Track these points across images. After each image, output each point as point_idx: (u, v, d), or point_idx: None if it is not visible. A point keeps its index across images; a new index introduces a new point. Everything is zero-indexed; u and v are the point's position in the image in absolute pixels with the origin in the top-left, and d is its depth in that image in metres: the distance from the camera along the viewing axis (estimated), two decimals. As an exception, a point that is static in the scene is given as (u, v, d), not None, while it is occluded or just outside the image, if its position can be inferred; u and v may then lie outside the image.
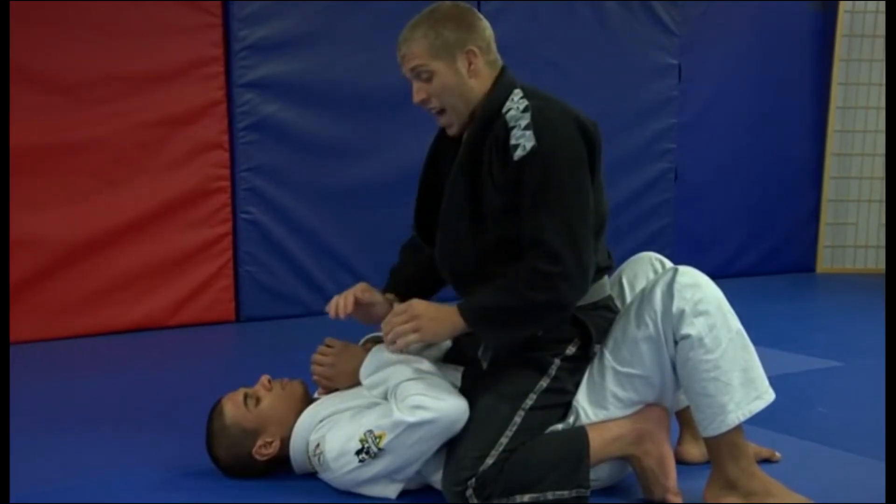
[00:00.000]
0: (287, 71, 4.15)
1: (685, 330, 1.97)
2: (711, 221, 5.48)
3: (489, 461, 1.98)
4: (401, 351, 2.08)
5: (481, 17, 2.14)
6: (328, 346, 2.28)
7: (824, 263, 5.88)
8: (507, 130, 2.01)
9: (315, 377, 2.29)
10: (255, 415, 2.17)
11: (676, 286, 1.99)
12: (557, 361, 2.09)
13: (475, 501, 1.97)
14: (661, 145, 5.22)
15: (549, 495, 1.98)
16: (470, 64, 2.07)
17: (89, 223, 3.83)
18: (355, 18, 4.27)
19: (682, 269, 2.04)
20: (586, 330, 2.09)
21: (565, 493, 1.99)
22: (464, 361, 2.18)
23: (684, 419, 2.32)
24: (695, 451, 2.32)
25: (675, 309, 1.97)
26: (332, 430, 2.10)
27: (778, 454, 2.35)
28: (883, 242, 5.76)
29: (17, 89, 3.59)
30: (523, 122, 2.01)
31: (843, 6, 5.61)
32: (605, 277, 2.20)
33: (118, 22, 3.80)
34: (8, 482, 1.89)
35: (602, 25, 4.95)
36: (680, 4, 5.15)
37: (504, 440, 2.00)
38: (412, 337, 2.02)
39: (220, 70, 4.02)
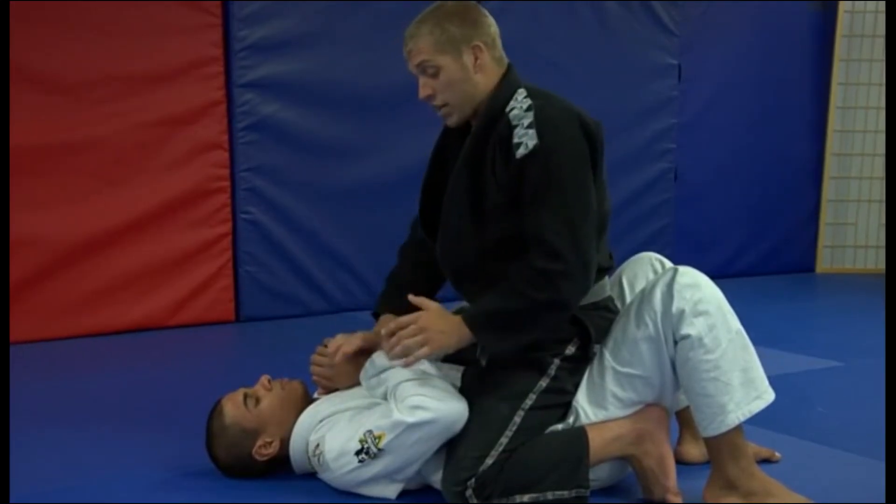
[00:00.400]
0: (287, 71, 4.15)
1: (685, 330, 1.97)
2: (711, 221, 5.48)
3: (489, 461, 1.98)
4: (410, 365, 2.03)
5: (486, 13, 2.14)
6: (326, 346, 2.28)
7: (824, 263, 5.88)
8: (511, 129, 2.02)
9: (314, 378, 2.29)
10: (254, 415, 2.17)
11: (676, 286, 1.99)
12: (557, 361, 2.09)
13: (475, 501, 1.97)
14: (661, 145, 5.22)
15: (549, 495, 1.98)
16: (476, 59, 2.08)
17: (89, 223, 3.83)
18: (355, 18, 4.27)
19: (682, 269, 2.04)
20: (586, 330, 2.09)
21: (565, 493, 1.99)
22: (463, 361, 2.18)
23: (684, 419, 2.32)
24: (695, 451, 2.32)
25: (674, 309, 1.97)
26: (331, 431, 2.10)
27: (778, 454, 2.35)
28: (883, 242, 5.76)
29: (17, 89, 3.59)
30: (526, 121, 2.01)
31: (842, 6, 5.61)
32: (606, 278, 2.20)
33: (118, 22, 3.80)
34: (8, 482, 1.89)
35: (602, 25, 4.95)
36: (680, 4, 5.15)
37: (504, 440, 2.00)
38: (422, 351, 1.99)
39: (220, 70, 4.02)
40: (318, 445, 2.11)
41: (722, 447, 1.99)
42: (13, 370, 3.13)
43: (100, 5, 3.76)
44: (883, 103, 5.64)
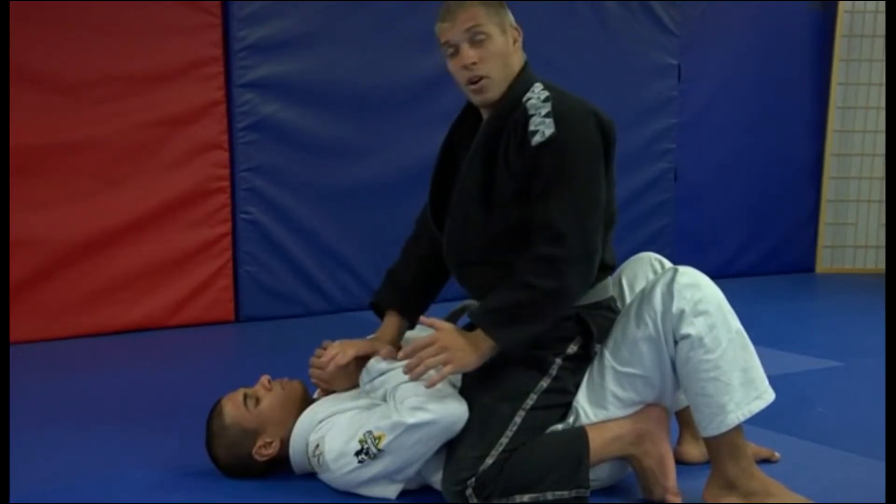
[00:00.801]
0: (287, 71, 4.15)
1: (685, 330, 1.97)
2: (711, 221, 5.48)
3: (489, 461, 1.98)
4: (433, 385, 1.99)
5: None
6: (324, 348, 2.28)
7: (824, 263, 5.88)
8: (527, 117, 2.03)
9: (313, 380, 2.28)
10: (254, 415, 2.17)
11: (676, 286, 1.99)
12: (559, 361, 2.09)
13: (475, 501, 1.97)
14: (661, 145, 5.23)
15: (549, 495, 1.98)
16: (514, 41, 2.12)
17: (89, 223, 3.83)
18: (355, 18, 4.27)
19: (682, 269, 2.04)
20: (588, 329, 2.10)
21: (565, 494, 1.99)
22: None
23: (684, 419, 2.32)
24: (694, 451, 2.32)
25: (674, 309, 1.97)
26: (331, 431, 2.10)
27: (777, 454, 2.35)
28: (882, 242, 5.76)
29: (17, 89, 3.59)
30: (543, 111, 2.03)
31: (842, 6, 5.61)
32: (608, 278, 2.20)
33: (118, 22, 3.80)
34: (8, 482, 1.89)
35: (602, 25, 4.95)
36: (679, 4, 5.15)
37: (504, 440, 2.00)
38: (446, 369, 1.97)
39: (220, 70, 4.02)
40: (317, 446, 2.11)
41: (721, 447, 1.99)
42: (13, 370, 3.13)
43: (100, 5, 3.76)
44: (883, 103, 5.64)
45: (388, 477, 2.06)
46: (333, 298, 4.40)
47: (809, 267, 5.87)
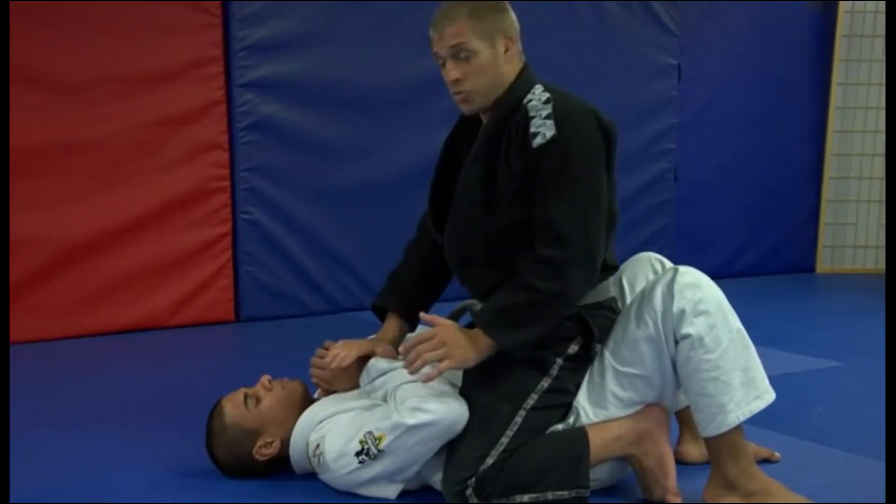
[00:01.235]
0: (287, 71, 4.15)
1: (685, 329, 1.97)
2: (711, 221, 5.48)
3: (489, 461, 1.98)
4: (431, 380, 2.00)
5: (512, 11, 2.16)
6: (326, 349, 2.28)
7: (824, 263, 5.88)
8: (528, 118, 2.03)
9: (314, 380, 2.29)
10: (255, 415, 2.17)
11: (677, 286, 1.99)
12: (559, 361, 2.09)
13: (475, 501, 1.97)
14: (661, 145, 5.23)
15: (549, 495, 1.98)
16: (506, 50, 2.10)
17: (89, 223, 3.83)
18: (355, 18, 4.27)
19: (683, 268, 2.04)
20: (589, 329, 2.09)
21: (565, 494, 1.99)
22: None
23: (684, 419, 2.32)
24: (695, 451, 2.32)
25: (675, 309, 1.97)
26: (331, 431, 2.10)
27: (777, 454, 2.35)
28: (882, 242, 5.76)
29: (17, 89, 3.59)
30: (544, 112, 2.02)
31: (842, 6, 5.61)
32: (609, 279, 2.20)
33: (118, 22, 3.80)
34: (8, 482, 1.89)
35: (602, 25, 4.95)
36: (679, 4, 5.15)
37: (505, 440, 2.00)
38: (444, 364, 1.97)
39: (220, 70, 4.02)
40: (318, 446, 2.11)
41: (722, 447, 1.99)
42: (13, 370, 3.13)
43: (100, 5, 3.76)
44: (883, 103, 5.64)
45: (388, 477, 2.06)
46: (333, 298, 4.40)
47: (809, 267, 5.87)
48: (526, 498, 1.98)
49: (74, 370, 3.36)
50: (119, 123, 3.84)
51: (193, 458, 2.29)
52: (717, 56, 5.34)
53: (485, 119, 2.15)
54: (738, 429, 1.98)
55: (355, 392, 2.22)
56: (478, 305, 2.20)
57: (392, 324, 2.31)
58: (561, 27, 4.79)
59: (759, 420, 2.03)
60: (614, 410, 2.07)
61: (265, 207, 4.20)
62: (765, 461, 2.31)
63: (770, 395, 2.01)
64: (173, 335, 3.96)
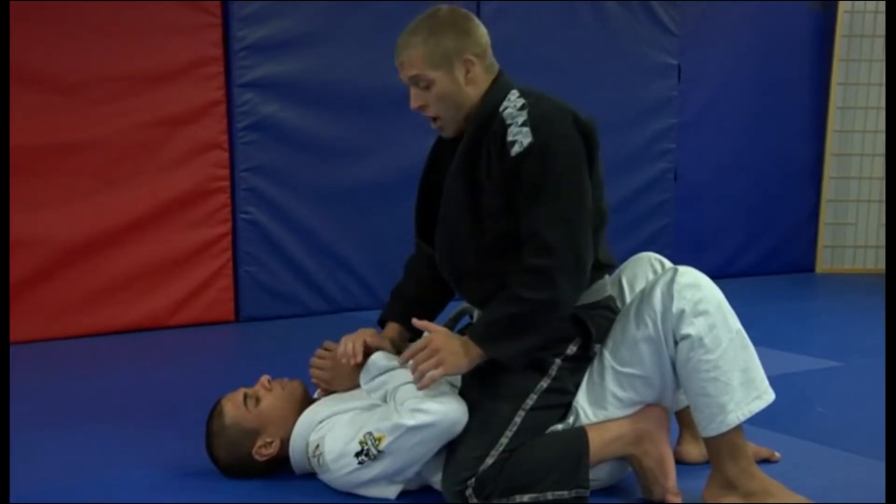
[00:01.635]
0: (287, 71, 4.15)
1: (685, 330, 1.97)
2: (711, 221, 5.48)
3: (489, 461, 1.98)
4: (425, 387, 2.01)
5: (478, 22, 2.13)
6: (326, 349, 2.28)
7: (824, 263, 5.88)
8: (504, 128, 2.02)
9: (314, 380, 2.29)
10: (254, 415, 2.17)
11: (676, 286, 1.99)
12: (558, 361, 2.09)
13: (475, 501, 1.97)
14: (661, 145, 5.23)
15: (549, 495, 1.98)
16: (468, 72, 2.07)
17: (89, 223, 3.83)
18: (355, 18, 4.27)
19: (682, 269, 2.04)
20: (587, 329, 2.09)
21: (565, 494, 1.99)
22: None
23: (684, 419, 2.32)
24: (694, 451, 2.32)
25: (674, 309, 1.97)
26: (331, 432, 2.10)
27: (777, 454, 2.35)
28: (882, 242, 5.76)
29: (18, 89, 3.59)
30: (520, 119, 2.01)
31: (842, 6, 5.61)
32: (606, 277, 2.20)
33: (118, 22, 3.80)
34: (8, 482, 1.89)
35: (602, 25, 4.95)
36: (679, 4, 5.15)
37: (504, 440, 2.00)
38: (437, 372, 1.98)
39: (220, 70, 4.02)
40: (317, 446, 2.11)
41: (721, 447, 1.99)
42: (13, 370, 3.13)
43: (100, 5, 3.76)
44: (882, 103, 5.64)
45: (388, 478, 2.06)
46: (333, 298, 4.40)
47: (809, 267, 5.87)
48: (526, 498, 1.98)
49: (74, 370, 3.36)
50: (119, 123, 3.85)
51: (193, 458, 2.29)
52: (717, 56, 5.34)
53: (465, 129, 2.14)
54: (737, 429, 1.98)
55: (355, 392, 2.22)
56: (474, 309, 2.22)
57: (392, 326, 2.31)
58: (561, 27, 4.79)
59: (758, 420, 2.03)
60: (614, 410, 2.07)
61: (265, 207, 4.20)
62: (765, 461, 2.31)
63: (770, 396, 2.01)
64: (173, 335, 3.96)
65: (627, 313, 2.07)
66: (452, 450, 2.03)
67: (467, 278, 2.16)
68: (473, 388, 2.09)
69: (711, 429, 1.98)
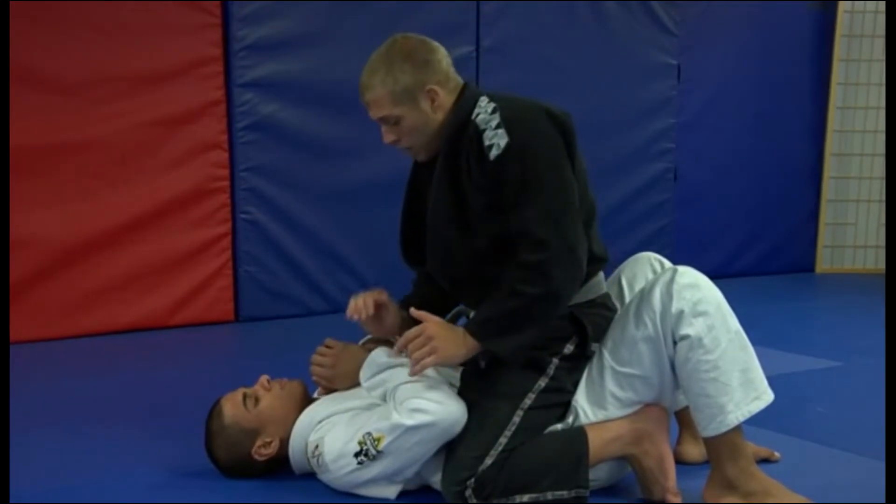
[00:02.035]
0: (286, 71, 4.15)
1: (684, 330, 1.97)
2: (711, 221, 5.48)
3: (488, 461, 1.98)
4: (417, 374, 2.04)
5: (435, 46, 2.13)
6: (328, 346, 2.28)
7: (823, 263, 5.88)
8: (479, 133, 2.03)
9: (314, 378, 2.29)
10: (254, 415, 2.17)
11: (675, 286, 1.99)
12: (556, 361, 2.09)
13: (474, 501, 1.97)
14: (661, 145, 5.22)
15: (549, 495, 1.99)
16: (433, 101, 2.09)
17: (89, 223, 3.83)
18: (355, 18, 4.27)
19: (682, 269, 2.04)
20: (583, 328, 2.10)
21: (564, 493, 1.99)
22: (462, 362, 2.18)
23: (683, 419, 2.32)
24: (694, 451, 2.32)
25: (674, 309, 1.97)
26: (330, 432, 2.10)
27: (777, 454, 2.35)
28: (882, 242, 5.76)
29: (17, 89, 3.59)
30: (493, 122, 2.02)
31: (842, 6, 5.61)
32: (601, 274, 2.20)
33: (118, 22, 3.80)
34: (8, 482, 1.89)
35: (601, 25, 4.95)
36: (679, 4, 5.15)
37: (503, 440, 2.00)
38: (429, 360, 2.00)
39: (220, 70, 4.02)
40: (317, 446, 2.11)
41: (721, 447, 1.99)
42: (13, 370, 3.13)
43: (99, 5, 3.76)
44: (882, 103, 5.64)
45: (387, 478, 2.06)
46: (333, 298, 4.39)
47: (809, 267, 5.87)
48: (525, 498, 1.98)
49: (74, 370, 3.36)
50: (118, 123, 3.85)
51: (193, 458, 2.29)
52: (717, 56, 5.34)
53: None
54: (737, 429, 1.98)
55: (354, 392, 2.21)
56: (471, 311, 2.23)
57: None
58: (561, 27, 4.79)
59: (758, 420, 2.03)
60: (613, 410, 2.07)
61: (265, 207, 4.20)
62: (764, 461, 2.31)
63: (769, 396, 2.01)
64: (173, 335, 3.96)
65: (627, 313, 2.08)
66: (451, 450, 2.03)
67: (463, 286, 2.17)
68: (472, 388, 2.09)
69: (711, 429, 1.98)
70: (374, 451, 2.00)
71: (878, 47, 5.66)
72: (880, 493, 2.07)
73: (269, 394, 2.21)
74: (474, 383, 2.09)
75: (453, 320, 2.32)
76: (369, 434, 2.01)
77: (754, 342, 2.03)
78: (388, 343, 2.23)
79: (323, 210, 4.33)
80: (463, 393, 2.09)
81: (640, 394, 2.07)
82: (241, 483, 2.19)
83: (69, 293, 3.82)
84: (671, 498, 2.05)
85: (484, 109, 2.05)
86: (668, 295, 1.99)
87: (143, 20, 3.84)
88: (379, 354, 2.16)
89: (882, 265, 5.76)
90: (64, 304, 3.81)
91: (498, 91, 2.13)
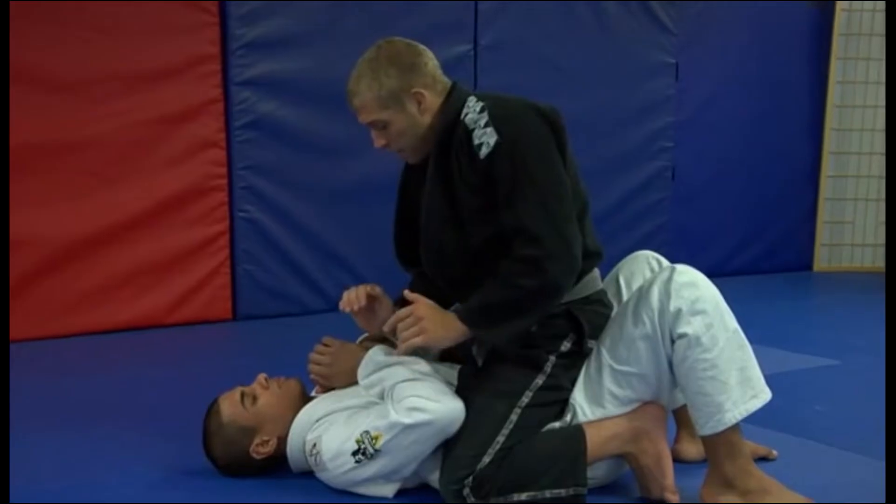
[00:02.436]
0: (284, 69, 4.15)
1: (682, 329, 1.97)
2: (709, 220, 5.49)
3: (486, 459, 1.98)
4: (406, 353, 2.06)
5: (421, 49, 2.13)
6: (325, 344, 2.28)
7: (821, 262, 5.88)
8: (469, 132, 2.04)
9: (312, 376, 2.29)
10: (251, 413, 2.17)
11: (674, 285, 1.99)
12: (553, 358, 2.09)
13: (472, 500, 1.97)
14: (659, 144, 5.22)
15: (547, 493, 1.99)
16: (420, 104, 2.09)
17: (87, 221, 3.83)
18: (353, 17, 4.27)
19: (680, 267, 2.04)
20: (580, 325, 2.10)
21: (562, 492, 1.99)
22: (460, 360, 2.19)
23: (681, 417, 2.33)
24: (692, 450, 2.32)
25: (672, 308, 1.97)
26: (328, 431, 2.10)
27: (775, 452, 2.36)
28: (880, 241, 5.77)
29: (17, 89, 3.59)
30: (482, 121, 2.03)
31: (839, 5, 5.62)
32: (596, 270, 2.20)
33: (116, 21, 3.80)
34: (8, 482, 1.88)
35: (600, 24, 4.95)
36: (677, 3, 5.15)
37: (501, 438, 2.00)
38: (418, 340, 2.01)
39: (217, 68, 4.02)
40: (314, 445, 2.11)
41: (719, 446, 1.99)
42: (12, 368, 3.12)
43: (98, 4, 3.76)
44: (880, 101, 5.65)
45: (385, 477, 2.06)
46: (331, 297, 4.38)
47: (807, 265, 5.88)
48: (523, 496, 1.98)
49: (73, 369, 3.36)
50: (116, 122, 3.84)
51: (191, 457, 2.28)
52: (715, 55, 5.34)
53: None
54: (735, 427, 1.98)
55: (352, 390, 2.21)
56: None
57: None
58: (559, 26, 4.79)
59: (756, 418, 2.03)
60: (611, 408, 2.07)
61: (262, 205, 4.19)
62: (762, 459, 2.31)
63: (766, 395, 2.01)
64: (171, 333, 3.96)
65: (625, 311, 2.08)
66: (449, 448, 2.03)
67: (459, 285, 2.17)
68: (469, 386, 2.09)
69: (709, 427, 1.98)
70: (371, 450, 2.00)
71: (875, 46, 5.66)
72: (879, 491, 2.07)
73: (267, 392, 2.21)
74: (472, 382, 2.09)
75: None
76: (367, 432, 2.01)
77: (752, 341, 2.03)
78: (386, 341, 2.23)
79: (321, 208, 4.33)
80: (460, 391, 2.09)
81: (638, 392, 2.07)
82: (239, 481, 2.19)
83: (66, 291, 3.81)
84: (669, 496, 2.05)
85: (472, 109, 2.05)
86: (666, 293, 1.99)
87: (140, 19, 3.84)
88: (377, 353, 2.16)
89: (880, 263, 5.77)
90: (61, 303, 3.80)
91: (494, 90, 2.13)
